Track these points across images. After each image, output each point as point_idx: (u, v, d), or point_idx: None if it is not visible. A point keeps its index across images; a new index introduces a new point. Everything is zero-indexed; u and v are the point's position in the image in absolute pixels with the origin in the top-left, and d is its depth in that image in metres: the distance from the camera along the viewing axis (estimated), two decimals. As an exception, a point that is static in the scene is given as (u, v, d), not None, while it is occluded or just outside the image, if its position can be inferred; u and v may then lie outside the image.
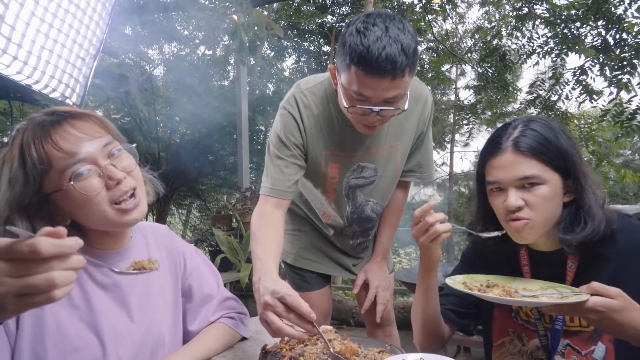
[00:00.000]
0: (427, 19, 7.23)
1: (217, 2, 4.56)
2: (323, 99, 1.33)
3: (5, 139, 4.75)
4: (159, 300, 1.00)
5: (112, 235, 0.92)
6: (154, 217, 6.83)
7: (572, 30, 5.99)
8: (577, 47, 5.72)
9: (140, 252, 0.99)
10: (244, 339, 1.14)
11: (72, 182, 0.78)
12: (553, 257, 1.04)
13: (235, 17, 3.28)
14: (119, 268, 0.81)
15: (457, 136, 11.57)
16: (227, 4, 3.31)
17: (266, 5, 7.44)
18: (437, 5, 6.50)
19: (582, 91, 5.79)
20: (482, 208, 1.07)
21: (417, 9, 8.35)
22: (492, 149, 1.01)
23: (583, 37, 5.92)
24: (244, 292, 4.12)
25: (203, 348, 1.01)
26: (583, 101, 5.90)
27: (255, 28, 3.44)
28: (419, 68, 10.42)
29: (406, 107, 1.16)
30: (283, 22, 10.11)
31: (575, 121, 6.57)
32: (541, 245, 1.05)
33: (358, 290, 1.59)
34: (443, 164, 12.06)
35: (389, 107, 1.13)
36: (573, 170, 0.97)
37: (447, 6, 7.06)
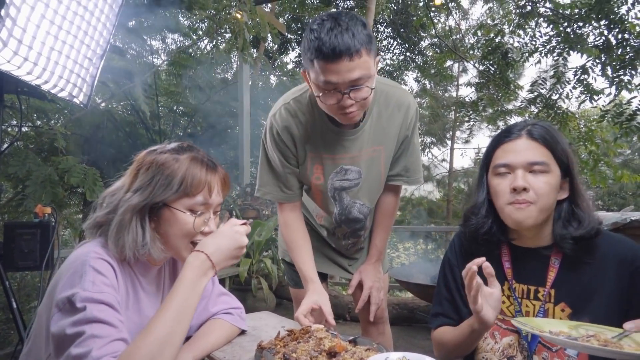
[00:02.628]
0: (429, 15, 7.24)
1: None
2: (308, 105, 1.42)
3: (10, 129, 4.81)
4: None
5: (165, 257, 1.07)
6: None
7: (575, 29, 6.01)
8: (579, 46, 5.74)
9: (167, 264, 1.15)
10: (242, 332, 1.22)
11: (191, 213, 0.99)
12: (535, 254, 1.10)
13: (238, 15, 3.32)
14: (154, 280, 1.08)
15: (457, 133, 11.61)
16: (230, 3, 3.34)
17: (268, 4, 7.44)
18: (438, 2, 6.49)
19: (583, 90, 5.81)
20: (484, 193, 1.13)
21: (420, 4, 8.36)
22: (507, 134, 1.08)
23: (585, 37, 5.93)
24: (242, 286, 4.21)
25: (207, 343, 1.09)
26: (583, 101, 5.92)
27: (259, 26, 3.47)
28: (421, 63, 10.46)
29: (374, 85, 1.24)
30: (287, 14, 10.12)
31: (575, 121, 6.60)
32: (528, 241, 1.11)
33: (353, 290, 1.65)
34: (443, 160, 12.12)
35: (357, 86, 1.20)
36: (571, 170, 1.06)
37: (450, 3, 7.07)
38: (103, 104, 6.37)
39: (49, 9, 1.68)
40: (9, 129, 4.77)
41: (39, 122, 5.39)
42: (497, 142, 1.10)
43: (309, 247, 1.51)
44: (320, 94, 1.24)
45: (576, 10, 5.90)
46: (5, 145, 2.03)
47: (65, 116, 5.28)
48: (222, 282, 4.11)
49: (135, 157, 1.03)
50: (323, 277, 1.74)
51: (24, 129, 5.91)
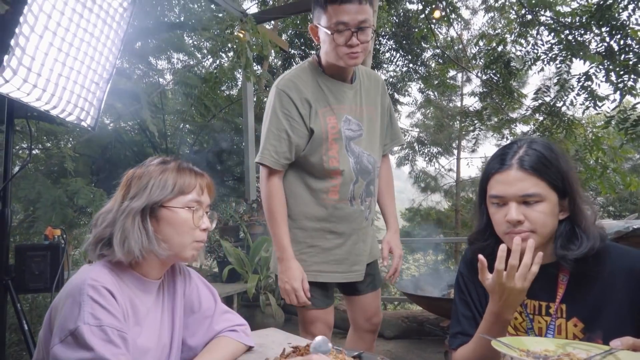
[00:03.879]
0: (430, 27, 7.30)
1: (223, 16, 4.66)
2: (309, 73, 1.69)
3: (20, 152, 4.90)
4: (177, 327, 1.14)
5: (161, 266, 1.10)
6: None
7: (576, 36, 6.02)
8: (581, 53, 5.75)
9: (166, 285, 1.16)
10: (249, 348, 1.23)
11: (187, 210, 1.05)
12: (544, 271, 1.10)
13: (240, 34, 3.39)
14: (153, 298, 1.09)
15: (463, 142, 11.59)
16: (232, 23, 3.41)
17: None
18: (438, 16, 6.55)
19: (587, 97, 5.80)
20: (485, 220, 1.15)
21: (422, 16, 8.43)
22: (497, 165, 1.08)
23: (587, 44, 5.94)
24: (251, 302, 4.20)
25: None
26: (588, 107, 5.90)
27: (260, 44, 3.54)
28: (424, 74, 10.53)
29: (374, 26, 1.62)
30: (290, 30, 10.25)
31: (581, 128, 6.57)
32: None
33: (387, 261, 1.85)
34: (450, 170, 12.07)
35: (363, 27, 1.52)
36: (570, 190, 1.05)
37: (451, 15, 7.13)
38: (111, 125, 6.47)
39: (56, 37, 1.73)
40: (20, 152, 4.86)
41: (48, 145, 5.48)
42: (490, 171, 1.10)
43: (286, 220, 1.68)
44: (333, 34, 1.53)
45: (577, 18, 5.92)
46: (17, 169, 2.08)
47: (74, 138, 5.36)
48: (230, 298, 4.11)
49: (123, 175, 1.10)
50: (332, 297, 1.78)
51: (34, 152, 5.99)
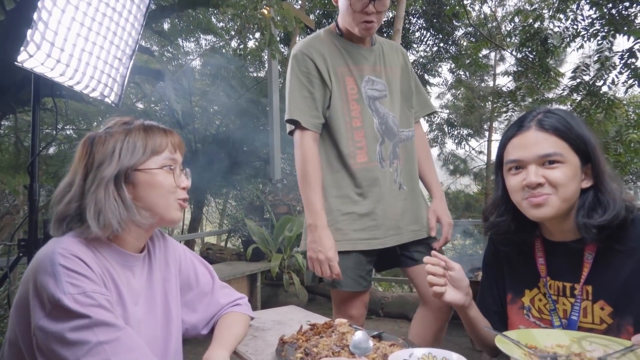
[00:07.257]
0: (463, 4, 7.01)
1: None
2: (326, 36, 1.68)
3: (49, 130, 5.05)
4: (174, 299, 1.08)
5: (144, 235, 1.02)
6: (192, 207, 7.07)
7: (621, 10, 5.66)
8: (625, 28, 5.40)
9: (154, 257, 1.08)
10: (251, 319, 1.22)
11: (164, 168, 0.99)
12: (568, 248, 1.03)
13: (265, 11, 3.33)
14: (139, 271, 1.02)
15: (495, 124, 11.25)
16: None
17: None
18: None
19: (631, 75, 5.47)
20: (500, 192, 1.09)
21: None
22: (515, 129, 1.03)
23: (632, 18, 5.57)
24: (274, 281, 4.24)
25: (233, 337, 1.07)
26: (631, 86, 5.57)
27: (286, 22, 3.47)
28: (456, 54, 10.19)
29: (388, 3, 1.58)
30: (318, 10, 10.09)
31: (623, 108, 6.23)
32: (556, 235, 1.05)
33: (434, 232, 1.71)
34: (480, 152, 11.76)
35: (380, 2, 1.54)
36: (593, 155, 0.98)
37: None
38: (141, 106, 6.57)
39: (78, 11, 1.72)
40: (53, 132, 5.01)
41: (84, 126, 5.64)
42: (508, 136, 1.04)
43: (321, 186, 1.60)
44: (352, 0, 1.53)
45: (622, -10, 5.54)
46: (43, 146, 2.12)
47: (105, 118, 5.49)
48: (254, 276, 4.15)
49: (78, 145, 1.00)
50: (370, 281, 1.69)
51: (68, 132, 6.17)
